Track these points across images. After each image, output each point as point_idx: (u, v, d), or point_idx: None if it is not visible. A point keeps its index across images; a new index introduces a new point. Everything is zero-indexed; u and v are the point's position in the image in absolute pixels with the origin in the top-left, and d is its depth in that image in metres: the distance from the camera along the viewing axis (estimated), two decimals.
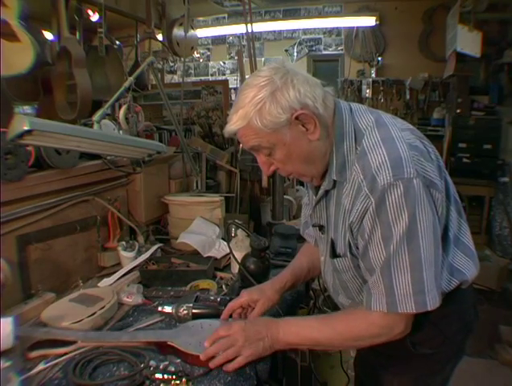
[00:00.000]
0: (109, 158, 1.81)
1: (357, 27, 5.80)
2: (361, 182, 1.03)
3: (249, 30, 2.80)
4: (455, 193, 1.16)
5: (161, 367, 1.11)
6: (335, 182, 1.12)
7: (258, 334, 1.13)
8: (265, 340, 1.12)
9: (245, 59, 3.01)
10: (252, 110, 1.02)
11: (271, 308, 1.34)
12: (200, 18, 5.15)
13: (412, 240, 0.98)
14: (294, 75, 1.04)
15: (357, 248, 1.10)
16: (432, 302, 1.02)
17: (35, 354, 1.17)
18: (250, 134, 1.06)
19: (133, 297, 1.50)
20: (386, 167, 0.98)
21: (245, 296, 1.31)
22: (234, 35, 6.38)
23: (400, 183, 0.97)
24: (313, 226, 1.31)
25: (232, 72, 6.56)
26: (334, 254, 1.19)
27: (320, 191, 1.18)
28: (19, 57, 1.44)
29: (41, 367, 1.12)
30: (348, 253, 1.13)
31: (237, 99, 1.07)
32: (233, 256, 1.58)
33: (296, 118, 1.03)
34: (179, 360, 1.15)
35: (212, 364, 1.10)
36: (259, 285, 1.38)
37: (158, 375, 1.07)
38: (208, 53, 6.78)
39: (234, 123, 1.05)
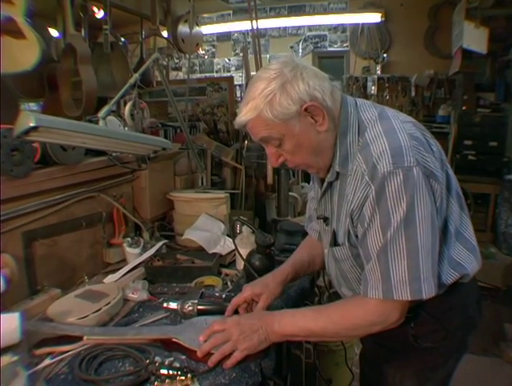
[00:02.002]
0: (114, 154, 1.82)
1: (363, 24, 5.77)
2: (363, 171, 1.05)
3: (254, 27, 2.80)
4: (457, 187, 1.17)
5: (166, 362, 1.12)
6: (338, 174, 1.15)
7: (252, 327, 1.14)
8: (259, 332, 1.13)
9: (250, 56, 3.01)
10: (262, 102, 1.04)
11: (274, 301, 1.35)
12: (205, 15, 5.13)
13: (409, 227, 1.00)
14: (303, 68, 1.07)
15: (357, 236, 1.12)
16: (428, 291, 1.03)
17: (41, 351, 1.17)
18: (260, 125, 1.08)
19: (138, 293, 1.51)
20: (386, 156, 1.01)
21: (248, 291, 1.32)
22: (239, 32, 6.36)
23: (400, 171, 0.99)
24: (318, 218, 1.31)
25: (237, 69, 6.54)
26: (335, 243, 1.22)
27: (325, 183, 1.21)
28: (25, 54, 1.45)
29: (47, 362, 1.13)
30: (346, 242, 1.15)
31: (247, 91, 1.10)
32: (238, 252, 1.58)
33: (305, 110, 1.06)
34: (184, 356, 1.15)
35: (210, 363, 1.10)
36: (261, 279, 1.38)
37: (164, 371, 1.08)
38: (213, 50, 6.77)
39: (245, 114, 1.08)
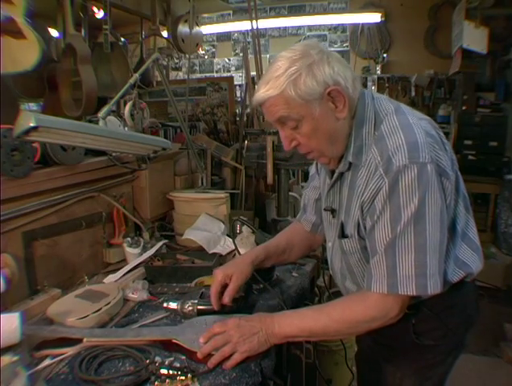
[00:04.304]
0: (114, 154, 1.82)
1: (363, 24, 5.76)
2: (377, 163, 1.05)
3: (254, 27, 2.79)
4: (464, 189, 1.18)
5: (166, 362, 1.12)
6: (350, 164, 1.15)
7: (252, 329, 1.14)
8: (259, 334, 1.13)
9: (250, 56, 3.01)
10: (286, 80, 1.03)
11: (245, 281, 1.35)
12: (205, 15, 5.13)
13: (419, 222, 1.01)
14: (329, 53, 1.08)
15: (365, 228, 1.12)
16: (433, 287, 1.04)
17: (41, 353, 1.16)
18: (281, 104, 1.07)
19: (138, 293, 1.51)
20: (402, 150, 1.01)
21: (220, 273, 1.31)
22: (239, 32, 6.36)
23: (415, 167, 1.00)
24: (325, 210, 1.31)
25: (237, 69, 6.54)
26: (343, 235, 1.21)
27: (335, 174, 1.21)
28: (25, 54, 1.45)
29: (47, 362, 1.13)
30: (355, 234, 1.16)
31: (268, 70, 1.09)
32: (239, 252, 1.58)
33: (328, 94, 1.06)
34: (184, 356, 1.15)
35: (210, 364, 1.10)
36: (231, 261, 1.42)
37: (164, 371, 1.08)
38: (213, 50, 6.76)
39: (266, 91, 1.06)
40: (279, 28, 6.28)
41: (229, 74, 6.49)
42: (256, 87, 1.12)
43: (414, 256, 1.02)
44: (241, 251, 1.58)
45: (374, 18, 5.36)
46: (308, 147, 1.15)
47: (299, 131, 1.11)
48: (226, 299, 1.28)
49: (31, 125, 1.14)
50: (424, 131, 1.07)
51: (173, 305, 1.37)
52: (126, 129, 1.93)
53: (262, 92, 1.07)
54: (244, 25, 5.08)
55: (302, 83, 1.03)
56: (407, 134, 1.04)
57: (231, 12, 5.83)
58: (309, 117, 1.07)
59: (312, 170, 1.50)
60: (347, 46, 6.08)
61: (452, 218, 1.12)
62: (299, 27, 6.23)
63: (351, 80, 1.09)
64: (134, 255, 1.77)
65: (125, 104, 1.93)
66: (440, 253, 1.05)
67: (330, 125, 1.10)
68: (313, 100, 1.05)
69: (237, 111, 3.13)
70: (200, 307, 1.33)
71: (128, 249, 1.77)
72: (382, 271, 1.06)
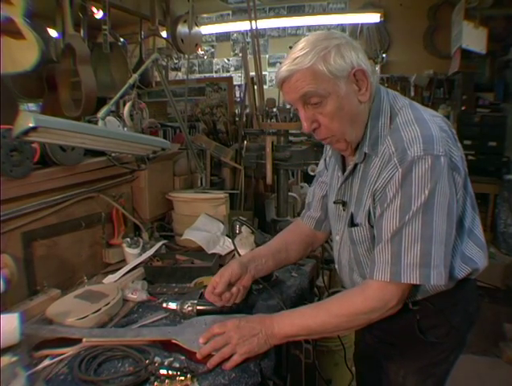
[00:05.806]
0: (113, 154, 1.81)
1: (362, 24, 5.78)
2: (391, 153, 1.07)
3: (254, 27, 2.79)
4: (471, 188, 1.20)
5: (166, 363, 1.12)
6: (365, 156, 1.16)
7: (252, 331, 1.13)
8: (259, 336, 1.13)
9: (250, 56, 3.00)
10: (316, 55, 1.04)
11: (230, 274, 1.32)
12: (205, 15, 5.13)
13: (427, 213, 1.02)
14: (353, 41, 1.11)
15: (375, 216, 1.13)
16: (437, 278, 1.04)
17: (40, 353, 1.16)
18: (308, 79, 1.06)
19: (137, 293, 1.51)
20: (418, 142, 1.03)
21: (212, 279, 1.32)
22: (238, 32, 6.37)
23: (429, 158, 1.01)
24: (335, 203, 1.31)
25: (236, 69, 6.55)
26: (352, 224, 1.22)
27: (351, 165, 1.22)
28: (24, 54, 1.45)
29: (47, 362, 1.13)
30: (366, 222, 1.16)
31: (292, 51, 1.09)
32: (238, 252, 1.58)
33: (354, 75, 1.07)
34: (183, 357, 1.15)
35: (209, 364, 1.10)
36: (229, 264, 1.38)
37: (163, 371, 1.08)
38: (213, 50, 6.77)
39: (295, 64, 1.05)
40: (278, 28, 6.29)
41: (228, 74, 6.50)
42: (280, 64, 1.12)
43: (419, 245, 1.03)
44: (241, 251, 1.58)
45: (374, 18, 5.37)
46: (329, 130, 1.13)
47: (321, 110, 1.10)
48: (217, 290, 1.28)
49: (31, 125, 1.14)
50: (438, 126, 1.09)
51: (172, 305, 1.37)
52: (126, 129, 1.93)
53: (289, 66, 1.06)
54: (243, 25, 5.08)
55: (331, 59, 1.04)
56: (422, 127, 1.06)
57: (230, 12, 5.84)
58: (335, 94, 1.07)
59: (320, 165, 1.50)
60: None
61: (459, 214, 1.14)
62: (299, 27, 6.25)
63: (371, 70, 1.11)
64: (134, 255, 1.77)
65: (124, 104, 1.93)
66: (446, 246, 1.06)
67: (353, 107, 1.11)
68: (341, 77, 1.06)
69: (237, 111, 3.13)
70: (199, 307, 1.33)
71: (127, 249, 1.77)
72: (386, 258, 1.06)
